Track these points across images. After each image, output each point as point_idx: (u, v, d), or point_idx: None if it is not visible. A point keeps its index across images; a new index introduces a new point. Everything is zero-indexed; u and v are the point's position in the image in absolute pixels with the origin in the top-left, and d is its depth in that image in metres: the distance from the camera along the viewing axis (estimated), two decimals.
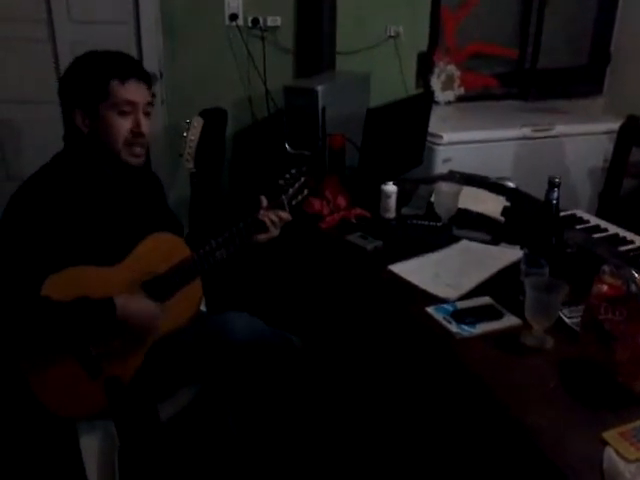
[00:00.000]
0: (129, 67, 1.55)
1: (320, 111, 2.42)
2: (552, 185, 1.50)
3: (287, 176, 1.74)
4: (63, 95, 1.56)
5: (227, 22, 2.91)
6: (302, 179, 1.75)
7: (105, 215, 1.55)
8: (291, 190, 1.74)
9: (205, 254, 1.62)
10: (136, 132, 1.54)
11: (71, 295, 1.41)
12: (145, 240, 1.58)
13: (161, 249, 1.61)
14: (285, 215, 1.72)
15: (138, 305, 1.49)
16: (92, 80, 1.51)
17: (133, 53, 2.68)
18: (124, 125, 1.53)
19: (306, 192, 1.78)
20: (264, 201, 1.72)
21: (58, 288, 1.42)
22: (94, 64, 1.53)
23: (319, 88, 2.47)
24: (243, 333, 1.59)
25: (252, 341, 1.59)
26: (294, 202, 1.75)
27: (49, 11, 2.53)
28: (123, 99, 1.51)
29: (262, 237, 1.71)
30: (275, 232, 1.72)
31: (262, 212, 1.69)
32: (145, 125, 1.56)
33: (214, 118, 2.59)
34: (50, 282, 1.42)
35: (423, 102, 2.49)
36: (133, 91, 1.53)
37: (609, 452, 1.06)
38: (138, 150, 1.57)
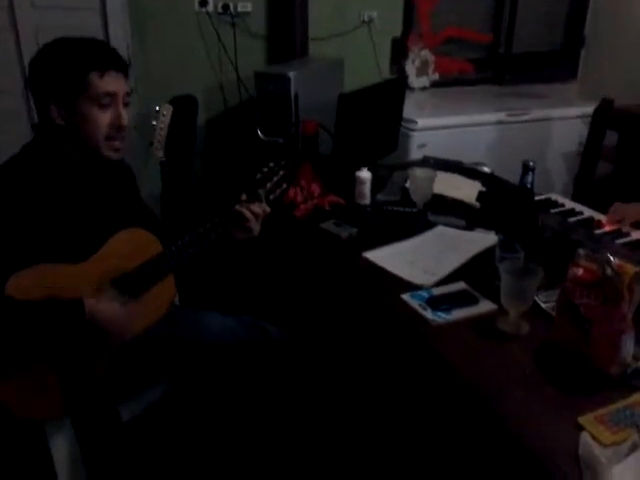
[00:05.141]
0: (107, 57, 1.46)
1: (293, 97, 2.39)
2: (526, 169, 1.48)
3: (265, 169, 1.67)
4: (35, 87, 1.47)
5: (197, 8, 2.85)
6: (281, 173, 1.69)
7: (74, 210, 1.48)
8: (269, 184, 1.67)
9: (178, 250, 1.56)
10: (117, 125, 1.47)
11: (37, 293, 1.35)
12: (115, 236, 1.52)
13: (132, 245, 1.55)
14: (262, 207, 1.64)
15: (108, 308, 1.43)
16: (69, 72, 1.42)
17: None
18: (104, 119, 1.46)
19: (285, 186, 1.71)
20: (244, 197, 1.66)
21: (24, 286, 1.35)
22: (70, 55, 1.44)
23: (291, 74, 2.43)
24: (214, 337, 1.56)
25: (224, 342, 1.56)
26: (272, 196, 1.68)
27: None
28: (102, 91, 1.44)
29: (241, 235, 1.63)
30: (254, 227, 1.63)
31: (237, 206, 1.62)
32: (125, 117, 1.49)
33: (184, 106, 2.54)
34: (15, 280, 1.36)
35: (396, 87, 2.46)
36: (112, 82, 1.45)
37: (585, 437, 1.05)
38: (118, 144, 1.50)
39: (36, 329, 1.35)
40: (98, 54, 1.45)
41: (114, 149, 1.50)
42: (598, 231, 1.83)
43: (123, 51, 2.67)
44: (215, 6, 2.87)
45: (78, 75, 1.42)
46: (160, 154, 2.18)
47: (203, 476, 1.69)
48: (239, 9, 2.91)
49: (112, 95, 1.46)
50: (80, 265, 1.46)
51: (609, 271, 1.21)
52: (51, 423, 1.50)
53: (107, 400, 1.41)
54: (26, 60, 2.63)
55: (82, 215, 1.50)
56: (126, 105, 1.51)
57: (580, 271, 1.24)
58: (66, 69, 1.42)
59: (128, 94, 1.52)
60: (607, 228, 1.85)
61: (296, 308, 2.10)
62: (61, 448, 1.52)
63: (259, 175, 1.66)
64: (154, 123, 2.17)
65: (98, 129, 1.46)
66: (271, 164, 1.68)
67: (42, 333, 1.36)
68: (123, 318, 1.45)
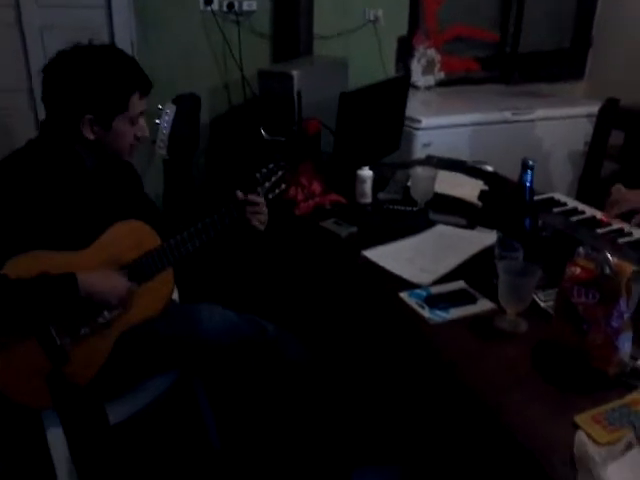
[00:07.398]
0: (146, 79, 1.55)
1: (296, 96, 2.38)
2: (525, 167, 1.47)
3: (264, 170, 1.71)
4: (66, 99, 1.48)
5: (202, 6, 2.84)
6: (279, 173, 1.72)
7: (73, 200, 1.51)
8: (267, 183, 1.70)
9: (176, 244, 1.59)
10: (140, 137, 1.58)
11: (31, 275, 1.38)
12: (112, 227, 1.56)
13: (130, 237, 1.58)
14: (259, 199, 1.68)
15: (103, 278, 1.48)
16: (115, 93, 1.48)
17: (105, 38, 2.62)
18: (132, 132, 1.55)
19: (284, 186, 1.74)
20: (239, 194, 1.68)
21: (18, 269, 1.38)
22: (117, 75, 1.49)
23: (294, 72, 2.43)
24: (214, 325, 1.56)
25: (224, 333, 1.56)
26: (271, 195, 1.71)
27: None
28: (139, 111, 1.54)
29: (254, 219, 1.67)
30: (262, 210, 1.68)
31: (239, 193, 1.66)
32: (147, 129, 1.60)
33: (187, 104, 2.53)
34: (10, 264, 1.39)
35: (399, 86, 2.45)
36: (145, 102, 1.55)
37: (580, 436, 1.04)
38: (135, 148, 1.61)
39: (30, 305, 1.38)
40: (140, 76, 1.54)
41: (132, 153, 1.61)
42: (600, 230, 1.82)
43: (127, 49, 2.68)
44: (220, 5, 2.86)
45: (123, 96, 1.49)
46: (163, 152, 2.18)
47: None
48: (244, 8, 2.90)
49: (142, 113, 1.56)
50: (77, 253, 1.49)
51: (607, 270, 1.20)
52: (48, 415, 1.51)
53: (96, 400, 1.42)
54: (32, 58, 2.60)
55: (80, 206, 1.53)
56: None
57: (577, 270, 1.23)
58: (113, 89, 1.48)
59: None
60: (603, 218, 1.85)
61: (295, 305, 2.10)
62: (58, 440, 1.52)
63: (258, 175, 1.70)
64: (157, 121, 2.17)
65: (126, 142, 1.56)
66: (270, 165, 1.72)
67: (36, 309, 1.40)
68: (116, 281, 1.50)
